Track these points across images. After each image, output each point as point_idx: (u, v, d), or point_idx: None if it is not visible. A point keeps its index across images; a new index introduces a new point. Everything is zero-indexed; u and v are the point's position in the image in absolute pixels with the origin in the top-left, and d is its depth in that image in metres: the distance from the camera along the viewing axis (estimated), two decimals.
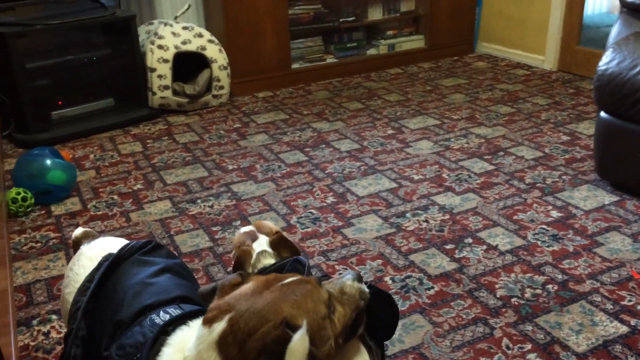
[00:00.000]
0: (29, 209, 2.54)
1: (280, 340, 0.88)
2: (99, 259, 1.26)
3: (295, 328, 0.90)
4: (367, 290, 1.06)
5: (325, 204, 2.57)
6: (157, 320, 1.10)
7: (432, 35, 4.64)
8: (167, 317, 1.11)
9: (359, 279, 1.07)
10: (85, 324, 1.15)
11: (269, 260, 1.32)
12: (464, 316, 1.85)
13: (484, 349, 1.72)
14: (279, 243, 1.36)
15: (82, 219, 2.51)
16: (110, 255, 1.26)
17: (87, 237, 1.38)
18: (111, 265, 1.22)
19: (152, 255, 1.28)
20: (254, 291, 0.98)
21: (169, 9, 4.03)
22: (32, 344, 1.80)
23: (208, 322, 0.96)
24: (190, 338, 1.00)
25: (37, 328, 1.86)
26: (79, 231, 1.40)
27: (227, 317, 0.94)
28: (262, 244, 1.36)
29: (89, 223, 2.46)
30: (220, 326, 0.93)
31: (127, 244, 1.28)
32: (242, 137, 3.34)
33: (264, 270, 1.29)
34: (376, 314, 1.11)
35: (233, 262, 1.35)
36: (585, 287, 1.96)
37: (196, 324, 1.04)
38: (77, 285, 1.23)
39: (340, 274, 1.31)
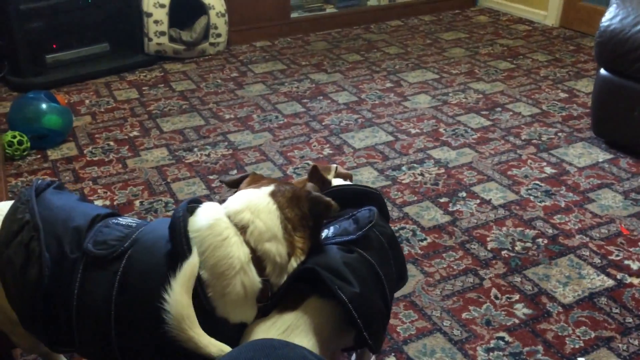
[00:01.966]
0: (25, 153, 2.54)
1: (307, 197, 1.20)
2: (4, 212, 1.24)
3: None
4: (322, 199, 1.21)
5: (321, 155, 2.58)
6: (122, 221, 1.22)
7: None
8: (130, 220, 1.24)
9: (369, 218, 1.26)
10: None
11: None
12: (455, 267, 1.89)
13: (473, 298, 1.76)
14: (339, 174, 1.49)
15: (78, 164, 2.51)
16: (25, 189, 1.27)
17: None
18: (36, 193, 1.25)
19: (62, 191, 1.34)
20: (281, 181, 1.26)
21: None
22: None
23: (254, 187, 1.21)
24: (217, 206, 1.17)
25: None
26: None
27: (273, 184, 1.21)
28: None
29: (85, 168, 2.47)
30: (270, 187, 1.20)
31: (33, 183, 1.29)
32: (239, 86, 3.31)
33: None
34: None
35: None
36: (575, 242, 2.00)
37: (209, 204, 1.18)
38: None
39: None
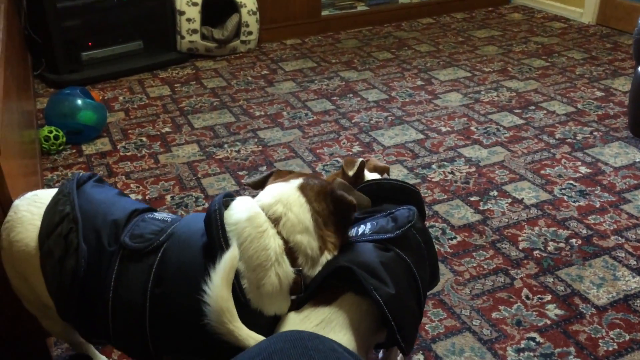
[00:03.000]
0: (61, 148, 2.60)
1: (330, 192, 1.19)
2: (44, 200, 1.26)
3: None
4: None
5: (350, 153, 2.57)
6: (158, 216, 1.24)
7: None
8: (165, 215, 1.25)
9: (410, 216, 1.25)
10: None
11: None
12: (485, 266, 1.87)
13: (503, 298, 1.74)
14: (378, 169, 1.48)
15: (111, 159, 2.56)
16: (67, 182, 1.29)
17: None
18: (77, 185, 1.28)
19: (102, 184, 1.36)
20: (309, 174, 1.26)
21: None
22: None
23: (283, 181, 1.21)
24: (251, 200, 1.18)
25: None
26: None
27: (301, 178, 1.21)
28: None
29: (118, 163, 2.51)
30: (298, 180, 1.21)
31: (74, 175, 1.32)
32: (269, 84, 3.33)
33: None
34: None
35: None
36: (610, 243, 1.95)
37: (243, 198, 1.19)
38: (27, 224, 1.22)
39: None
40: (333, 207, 1.18)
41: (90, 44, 3.44)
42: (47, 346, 1.52)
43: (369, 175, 1.42)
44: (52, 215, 1.21)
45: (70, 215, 1.20)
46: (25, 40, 3.32)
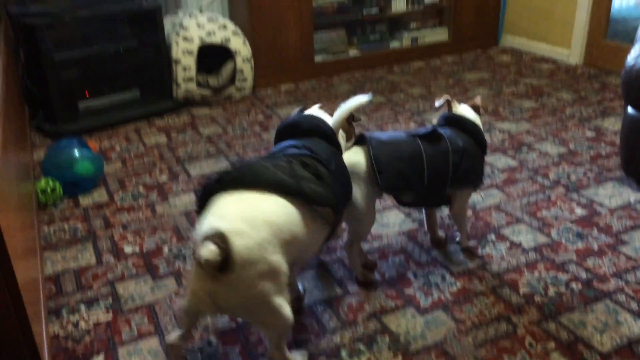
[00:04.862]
0: (58, 200, 2.60)
1: None
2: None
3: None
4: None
5: None
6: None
7: (456, 28, 4.60)
8: None
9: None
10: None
11: None
12: (487, 313, 1.86)
13: (507, 347, 1.72)
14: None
15: (108, 210, 2.55)
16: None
17: None
18: None
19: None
20: None
21: (194, 0, 4.06)
22: (62, 333, 1.85)
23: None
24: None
25: (66, 318, 1.91)
26: None
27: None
28: None
29: (115, 215, 2.51)
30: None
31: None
32: (265, 129, 3.36)
33: None
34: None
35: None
36: (610, 286, 1.95)
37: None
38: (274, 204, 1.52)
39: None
40: None
41: (87, 93, 3.48)
42: (38, 350, 1.49)
43: (460, 107, 2.07)
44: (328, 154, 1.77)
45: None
46: (22, 91, 3.35)
